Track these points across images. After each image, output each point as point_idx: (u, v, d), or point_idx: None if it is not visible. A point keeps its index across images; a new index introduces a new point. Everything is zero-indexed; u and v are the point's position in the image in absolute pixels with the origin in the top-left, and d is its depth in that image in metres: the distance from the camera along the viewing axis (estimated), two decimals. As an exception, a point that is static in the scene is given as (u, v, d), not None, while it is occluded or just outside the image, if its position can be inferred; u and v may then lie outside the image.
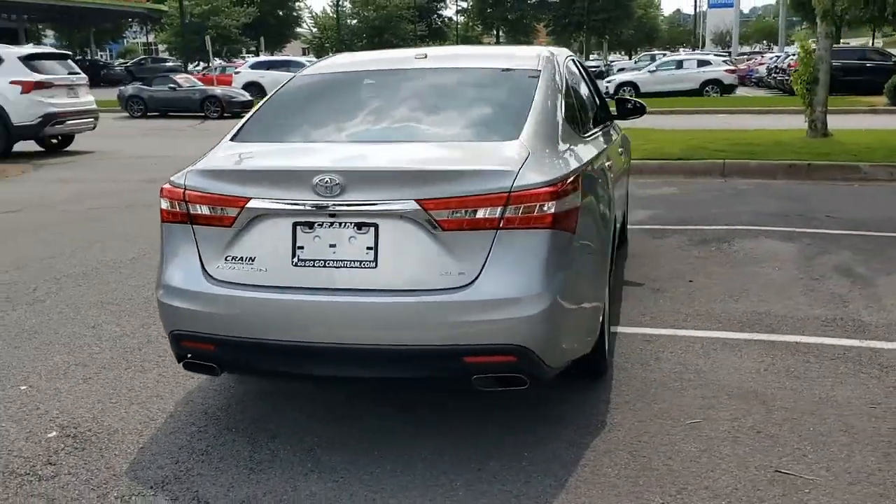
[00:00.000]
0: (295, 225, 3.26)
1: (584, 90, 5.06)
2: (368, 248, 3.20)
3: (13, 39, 53.68)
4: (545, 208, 3.19)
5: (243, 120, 4.05)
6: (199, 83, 28.53)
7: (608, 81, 34.24)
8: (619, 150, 5.96)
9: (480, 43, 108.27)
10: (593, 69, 56.62)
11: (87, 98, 15.39)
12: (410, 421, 3.74)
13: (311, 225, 3.24)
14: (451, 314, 3.13)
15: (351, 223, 3.21)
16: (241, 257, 3.32)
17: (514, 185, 3.15)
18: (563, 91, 4.15)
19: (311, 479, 3.24)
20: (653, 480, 3.18)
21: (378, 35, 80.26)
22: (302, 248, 3.25)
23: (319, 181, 3.16)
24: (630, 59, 69.34)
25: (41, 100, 14.10)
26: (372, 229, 3.19)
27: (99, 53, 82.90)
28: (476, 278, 3.14)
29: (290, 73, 26.73)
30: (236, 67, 37.25)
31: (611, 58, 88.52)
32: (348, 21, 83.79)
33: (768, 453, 3.37)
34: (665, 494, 3.08)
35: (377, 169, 3.27)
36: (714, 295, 5.50)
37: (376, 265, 3.19)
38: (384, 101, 4.08)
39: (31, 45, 15.67)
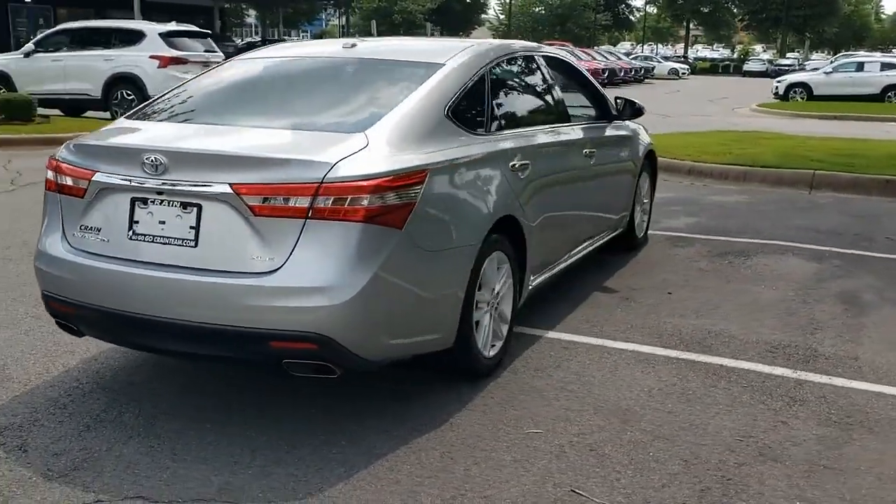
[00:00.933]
0: (133, 200, 3.44)
1: (532, 88, 5.01)
2: (191, 228, 3.33)
3: (209, 18, 57.53)
4: (358, 202, 3.20)
5: (149, 100, 4.28)
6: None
7: (778, 81, 32.50)
8: (616, 151, 5.78)
9: (669, 35, 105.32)
10: (786, 67, 53.85)
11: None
12: (257, 402, 3.85)
13: (145, 201, 3.41)
14: (256, 298, 3.22)
15: (177, 202, 3.35)
16: (90, 227, 3.54)
17: (326, 176, 3.19)
18: (469, 88, 4.11)
19: (129, 444, 3.42)
20: (440, 482, 3.14)
21: (561, 23, 79.77)
22: (137, 222, 3.43)
23: (146, 159, 3.33)
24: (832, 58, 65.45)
25: (176, 74, 15.11)
26: (195, 210, 3.32)
27: (291, 34, 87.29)
28: (282, 265, 3.21)
29: None
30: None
31: (814, 56, 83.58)
32: (534, 9, 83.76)
33: (581, 473, 3.24)
34: (438, 497, 3.04)
35: (197, 151, 3.40)
36: (680, 309, 5.24)
37: (196, 244, 3.33)
38: (274, 88, 4.20)
39: (173, 22, 16.70)
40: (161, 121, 3.98)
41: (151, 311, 3.36)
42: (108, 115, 15.42)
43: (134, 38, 15.72)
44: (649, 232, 7.30)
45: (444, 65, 4.14)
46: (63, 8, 47.74)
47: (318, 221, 3.20)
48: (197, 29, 17.72)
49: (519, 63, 4.94)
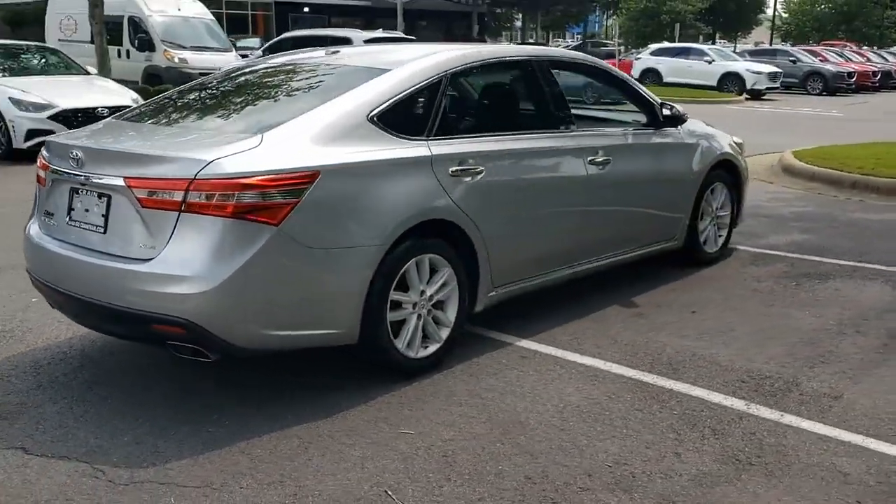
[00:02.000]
0: (71, 190, 3.92)
1: (510, 94, 5.04)
2: (102, 216, 3.75)
3: (467, 23, 59.72)
4: (227, 198, 3.45)
5: (141, 104, 4.78)
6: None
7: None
8: (656, 159, 5.65)
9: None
10: None
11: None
12: (182, 384, 4.20)
13: (78, 191, 3.88)
14: (139, 283, 3.57)
15: (95, 192, 3.78)
16: (48, 212, 4.07)
17: (199, 173, 3.46)
18: (412, 94, 4.22)
19: (57, 403, 3.90)
20: (275, 467, 3.31)
21: (847, 21, 73.91)
22: (73, 209, 3.91)
23: (70, 154, 3.80)
24: None
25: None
26: (107, 200, 3.74)
27: (553, 38, 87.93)
28: (159, 254, 3.54)
29: (689, 60, 26.32)
30: (638, 54, 37.35)
31: None
32: (818, 7, 78.34)
33: (411, 476, 3.28)
34: (258, 481, 3.22)
35: (103, 149, 3.81)
36: (686, 330, 4.93)
37: (105, 231, 3.74)
38: (227, 94, 4.52)
39: (380, 30, 17.62)
40: (127, 120, 4.46)
41: (77, 290, 3.82)
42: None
43: (342, 45, 16.83)
44: (741, 247, 6.84)
45: (388, 70, 4.26)
46: (337, 17, 51.91)
47: (190, 215, 3.48)
48: (402, 35, 18.62)
49: (495, 70, 4.91)
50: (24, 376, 4.20)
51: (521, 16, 72.80)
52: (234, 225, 3.47)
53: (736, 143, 6.62)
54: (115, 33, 20.46)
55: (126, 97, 12.38)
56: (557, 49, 5.79)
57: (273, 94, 4.45)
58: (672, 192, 5.79)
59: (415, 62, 4.40)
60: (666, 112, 5.62)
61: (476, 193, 4.32)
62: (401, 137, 4.08)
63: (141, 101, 11.17)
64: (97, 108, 11.65)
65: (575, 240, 5.05)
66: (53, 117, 11.35)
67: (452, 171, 4.21)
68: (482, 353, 4.53)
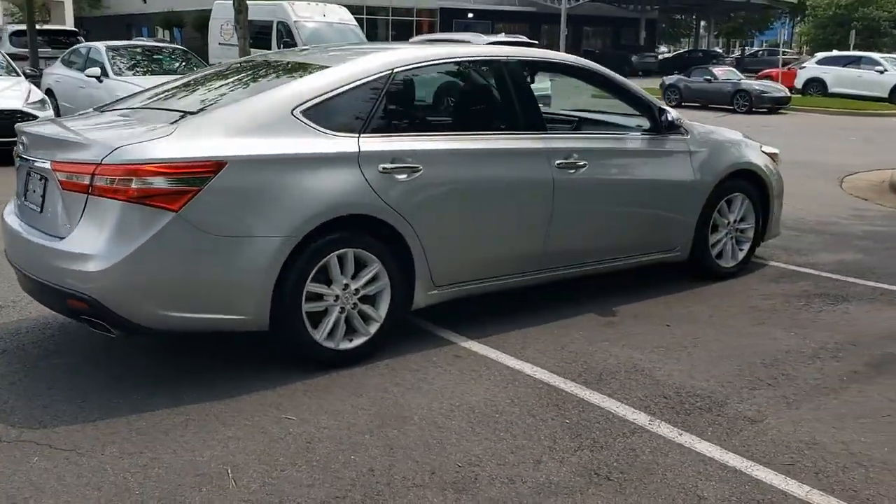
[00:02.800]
0: (27, 172, 4.29)
1: (466, 94, 5.10)
2: (41, 197, 4.10)
3: (634, 30, 58.54)
4: (126, 183, 3.70)
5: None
6: (736, 76, 28.01)
7: None
8: (648, 166, 5.46)
9: None
10: None
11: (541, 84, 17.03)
12: (124, 361, 4.49)
13: (29, 174, 4.25)
14: (55, 259, 3.89)
15: (37, 175, 4.13)
16: (17, 193, 4.47)
17: (104, 159, 3.74)
18: (347, 91, 4.33)
19: (29, 372, 4.27)
20: (144, 437, 3.52)
21: None
22: (27, 191, 4.28)
23: (21, 140, 4.16)
24: None
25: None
26: (44, 182, 4.08)
27: (737, 45, 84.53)
28: (71, 233, 3.83)
29: (860, 69, 24.93)
30: (802, 63, 35.35)
31: None
32: None
33: (260, 459, 3.39)
34: (117, 446, 3.43)
35: (38, 135, 4.12)
36: (643, 343, 4.76)
37: (41, 210, 4.08)
38: (187, 88, 4.74)
39: (502, 34, 17.65)
40: (105, 110, 4.81)
41: (23, 266, 4.18)
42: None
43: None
44: (774, 263, 6.47)
45: (328, 67, 4.38)
46: (500, 22, 52.38)
47: (96, 197, 3.75)
48: (524, 39, 18.52)
49: (449, 70, 4.90)
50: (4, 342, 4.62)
51: (698, 22, 70.43)
52: (133, 209, 3.71)
53: (768, 152, 6.27)
54: (266, 38, 21.68)
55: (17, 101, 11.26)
56: (533, 50, 5.67)
57: (216, 88, 4.66)
58: (669, 200, 5.57)
59: (358, 60, 4.51)
60: (666, 118, 5.41)
61: (411, 192, 4.36)
62: (327, 133, 4.19)
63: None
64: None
65: (539, 245, 4.96)
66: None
67: (383, 169, 4.27)
68: (420, 349, 4.57)
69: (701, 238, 5.81)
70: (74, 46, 15.90)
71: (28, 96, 11.44)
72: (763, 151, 6.24)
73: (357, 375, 4.22)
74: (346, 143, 4.22)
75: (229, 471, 3.28)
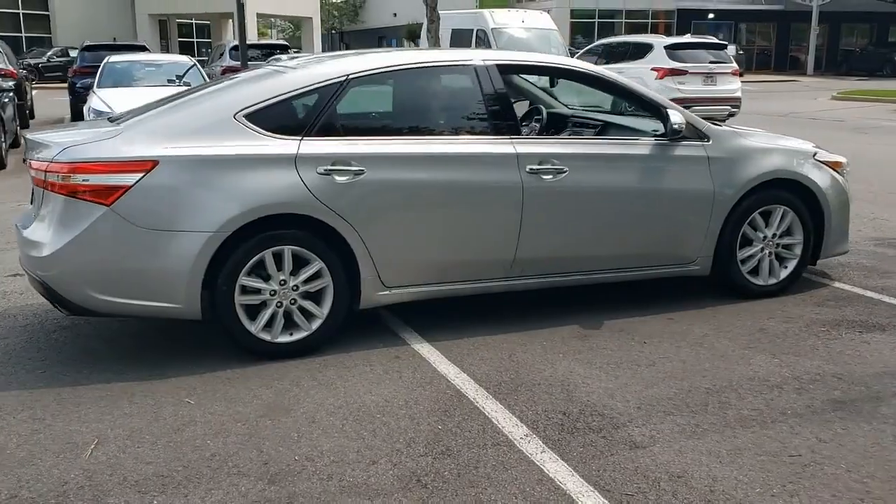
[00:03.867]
0: (36, 174, 4.90)
1: (426, 99, 5.11)
2: (32, 192, 4.67)
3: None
4: (67, 179, 4.16)
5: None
6: None
7: None
8: (649, 173, 5.17)
9: None
10: None
11: (726, 86, 16.16)
12: (109, 341, 4.97)
13: (32, 173, 4.85)
14: (25, 247, 4.42)
15: (31, 173, 4.71)
16: (31, 199, 5.08)
17: (54, 157, 4.22)
18: (294, 96, 4.56)
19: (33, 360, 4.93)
20: (47, 400, 3.95)
21: None
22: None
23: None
24: None
25: (670, 85, 15.55)
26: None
27: None
28: (33, 223, 4.36)
29: None
30: None
31: None
32: None
33: (134, 436, 3.67)
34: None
35: (32, 138, 4.63)
36: (600, 358, 4.54)
37: (31, 203, 4.66)
38: (183, 93, 5.09)
39: (688, 35, 16.88)
40: (107, 119, 5.32)
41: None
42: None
43: (644, 50, 16.59)
44: (836, 284, 5.86)
45: (283, 73, 4.61)
46: (743, 22, 49.79)
47: (48, 192, 4.24)
48: (714, 41, 17.61)
49: (412, 76, 4.89)
50: (29, 317, 5.29)
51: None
52: (73, 202, 4.16)
53: (827, 161, 5.67)
54: (467, 46, 22.27)
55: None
56: (518, 53, 5.45)
57: (196, 92, 4.96)
58: (678, 210, 5.22)
59: (314, 66, 4.68)
60: (671, 123, 5.08)
61: (352, 194, 4.47)
62: (267, 135, 4.41)
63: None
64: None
65: (510, 251, 4.86)
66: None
67: (322, 170, 4.42)
68: (369, 347, 4.67)
69: (726, 252, 5.38)
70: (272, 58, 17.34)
71: None
72: (819, 160, 5.65)
73: (285, 367, 4.40)
74: (284, 146, 4.41)
75: (94, 443, 3.60)
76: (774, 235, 5.52)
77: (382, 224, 4.57)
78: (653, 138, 5.22)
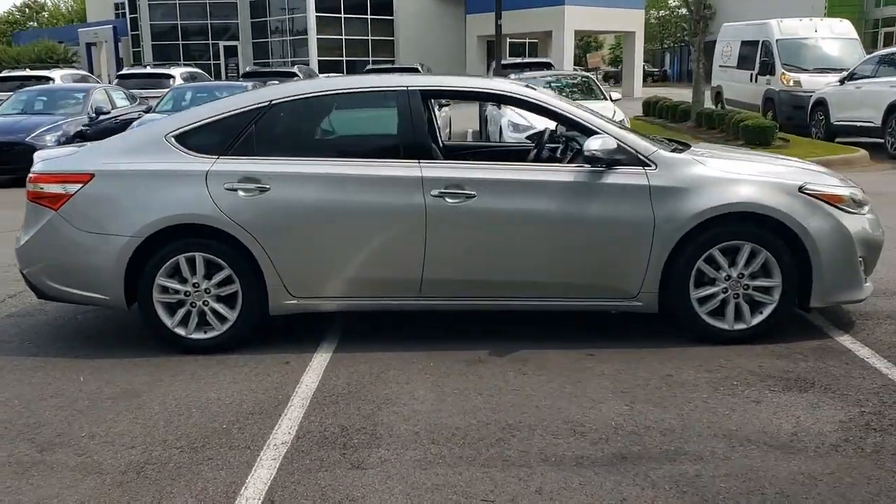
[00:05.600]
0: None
1: (336, 124, 5.45)
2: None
3: None
4: (31, 188, 5.14)
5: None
6: None
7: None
8: (568, 202, 4.96)
9: None
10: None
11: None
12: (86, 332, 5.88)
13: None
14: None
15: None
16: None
17: (31, 170, 5.21)
18: (217, 120, 5.12)
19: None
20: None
21: None
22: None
23: None
24: None
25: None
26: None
27: None
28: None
29: None
30: None
31: None
32: None
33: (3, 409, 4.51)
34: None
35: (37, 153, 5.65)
36: (468, 385, 4.53)
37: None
38: None
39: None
40: None
41: None
42: (883, 142, 14.88)
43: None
44: (840, 338, 5.10)
45: (226, 98, 5.20)
46: None
47: (28, 199, 5.24)
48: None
49: (332, 101, 5.16)
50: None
51: None
52: (34, 206, 5.11)
53: (824, 194, 4.97)
54: (752, 58, 21.08)
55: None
56: (447, 79, 5.30)
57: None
58: (607, 241, 4.92)
59: (245, 95, 5.18)
60: (585, 150, 4.86)
61: (255, 208, 4.92)
62: (189, 154, 5.02)
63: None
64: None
65: (416, 272, 4.97)
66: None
67: (228, 186, 4.93)
68: (279, 352, 5.06)
69: (677, 290, 4.96)
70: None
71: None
72: (809, 193, 4.95)
73: (185, 362, 4.95)
74: (200, 163, 4.99)
75: (-26, 405, 4.45)
76: (742, 276, 4.96)
77: (286, 238, 4.95)
78: (581, 164, 4.98)
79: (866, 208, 5.19)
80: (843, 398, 4.22)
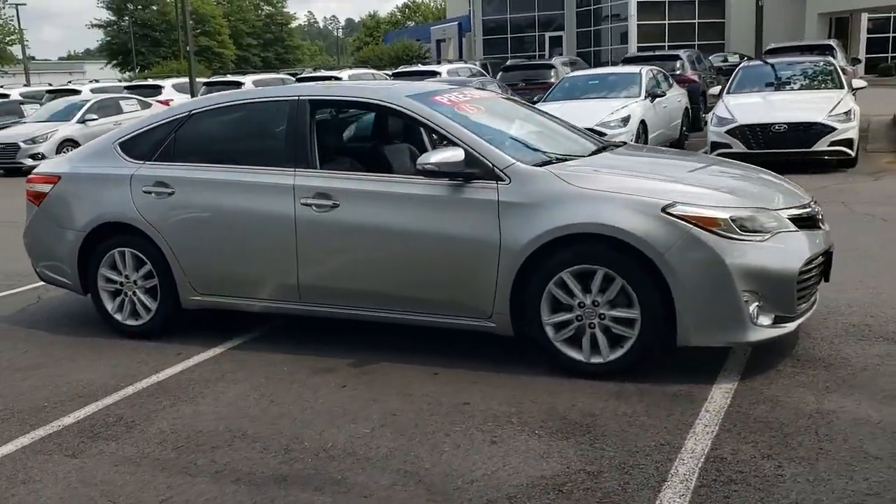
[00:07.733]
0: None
1: (241, 132, 5.67)
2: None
3: None
4: (28, 187, 6.17)
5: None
6: None
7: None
8: (429, 216, 4.78)
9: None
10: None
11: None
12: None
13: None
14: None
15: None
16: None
17: (32, 171, 6.25)
18: (151, 129, 5.71)
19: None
20: (-17, 337, 6.01)
21: None
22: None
23: None
24: None
25: None
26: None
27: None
28: None
29: None
30: None
31: None
32: None
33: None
34: (-33, 337, 6.02)
35: None
36: (275, 392, 4.66)
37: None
38: None
39: None
40: None
41: None
42: None
43: None
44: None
45: (165, 107, 5.77)
46: None
47: (29, 196, 6.28)
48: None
49: (235, 110, 5.37)
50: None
51: None
52: (28, 203, 6.10)
53: (688, 216, 4.27)
54: None
55: (821, 114, 11.66)
56: (340, 88, 5.04)
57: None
58: (456, 257, 4.66)
59: (172, 106, 5.67)
60: (418, 163, 4.69)
61: (162, 209, 5.43)
62: (126, 160, 5.67)
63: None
64: (774, 123, 11.75)
65: (292, 277, 5.13)
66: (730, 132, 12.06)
67: (144, 189, 5.51)
68: (205, 346, 5.42)
69: (528, 313, 4.58)
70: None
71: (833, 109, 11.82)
72: (673, 215, 4.25)
73: (114, 345, 5.58)
74: (128, 168, 5.61)
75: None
76: (596, 303, 4.43)
77: (187, 238, 5.40)
78: (433, 177, 4.75)
79: (768, 235, 4.34)
80: (595, 451, 3.67)
